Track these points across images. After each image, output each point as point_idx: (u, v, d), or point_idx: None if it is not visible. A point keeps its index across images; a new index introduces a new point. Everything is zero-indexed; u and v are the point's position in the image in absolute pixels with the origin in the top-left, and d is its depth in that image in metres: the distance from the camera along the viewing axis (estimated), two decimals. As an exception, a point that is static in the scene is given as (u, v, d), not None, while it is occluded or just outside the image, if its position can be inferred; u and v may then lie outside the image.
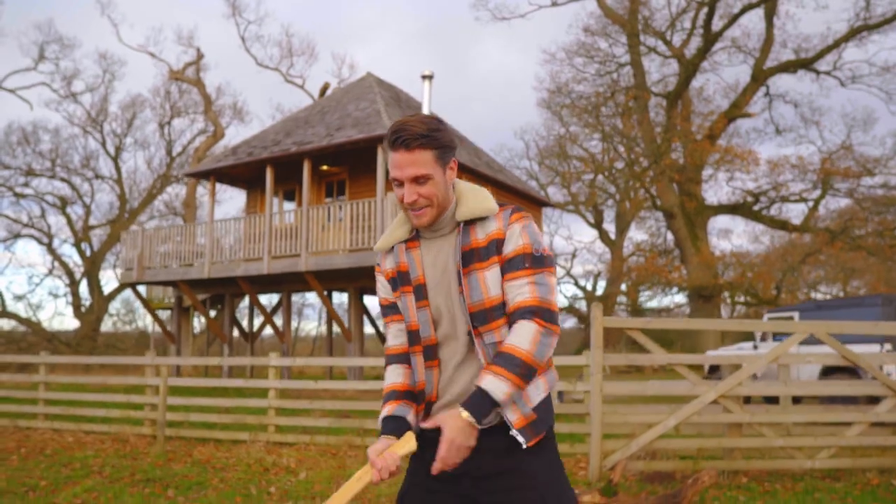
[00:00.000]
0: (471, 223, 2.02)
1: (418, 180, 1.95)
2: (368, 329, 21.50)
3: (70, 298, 36.70)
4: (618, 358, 6.39)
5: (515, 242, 1.97)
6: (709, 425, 6.60)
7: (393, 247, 2.13)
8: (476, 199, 2.03)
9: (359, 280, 16.56)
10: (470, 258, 1.98)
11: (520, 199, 21.35)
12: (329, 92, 32.95)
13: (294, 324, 37.78)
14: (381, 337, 22.20)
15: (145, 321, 39.36)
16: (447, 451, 1.80)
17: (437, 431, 1.85)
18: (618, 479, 5.93)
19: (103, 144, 37.14)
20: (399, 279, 2.09)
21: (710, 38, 27.66)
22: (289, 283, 17.77)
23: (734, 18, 27.27)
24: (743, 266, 29.36)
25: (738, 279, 28.83)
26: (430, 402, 2.06)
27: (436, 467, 1.82)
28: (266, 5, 75.57)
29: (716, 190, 53.30)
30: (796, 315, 13.10)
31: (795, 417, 6.43)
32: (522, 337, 1.87)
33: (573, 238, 55.86)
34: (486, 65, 65.59)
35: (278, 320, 22.21)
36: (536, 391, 2.00)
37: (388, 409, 2.07)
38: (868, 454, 6.77)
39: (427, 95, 17.27)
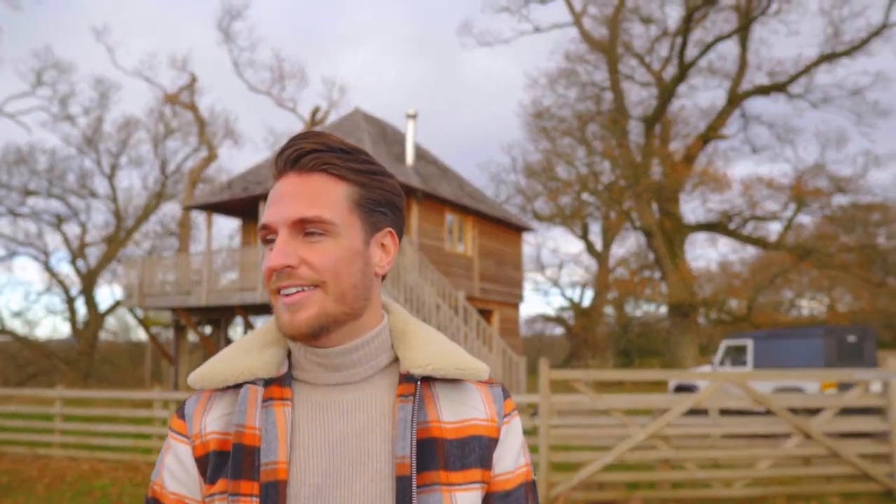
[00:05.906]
0: (427, 382, 1.06)
1: (306, 228, 0.99)
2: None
3: (67, 314, 37.64)
4: (564, 401, 7.51)
5: (516, 459, 1.10)
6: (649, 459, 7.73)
7: (239, 387, 1.03)
8: (439, 342, 1.08)
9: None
10: (430, 456, 0.99)
11: (502, 227, 22.37)
12: (318, 116, 34.07)
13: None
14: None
15: (138, 334, 40.44)
16: None
17: None
18: (561, 509, 7.03)
19: (98, 164, 38.24)
20: (233, 461, 0.96)
21: (685, 67, 28.95)
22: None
23: (707, 48, 28.57)
24: (716, 285, 30.71)
25: (712, 297, 30.13)
26: None
27: None
28: (258, 32, 76.14)
29: (694, 208, 55.00)
30: (750, 343, 14.30)
31: (714, 453, 7.54)
32: None
33: (560, 250, 57.34)
34: (476, 70, 67.03)
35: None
36: None
37: None
38: (778, 482, 7.85)
39: (411, 134, 18.39)
